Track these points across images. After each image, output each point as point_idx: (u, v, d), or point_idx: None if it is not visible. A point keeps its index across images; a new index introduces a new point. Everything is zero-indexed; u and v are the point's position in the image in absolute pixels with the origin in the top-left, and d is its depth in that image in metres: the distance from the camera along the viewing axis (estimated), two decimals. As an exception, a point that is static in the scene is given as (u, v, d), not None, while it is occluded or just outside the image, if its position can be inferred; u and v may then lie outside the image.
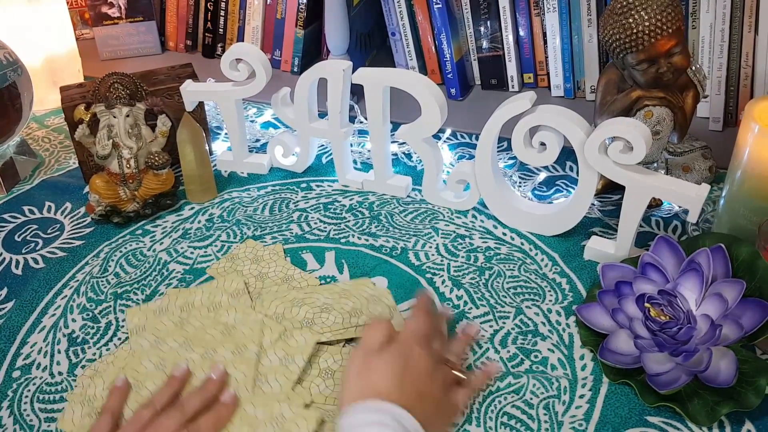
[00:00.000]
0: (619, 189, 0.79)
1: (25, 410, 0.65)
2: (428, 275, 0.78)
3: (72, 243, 0.86)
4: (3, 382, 0.68)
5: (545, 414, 0.62)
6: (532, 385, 0.65)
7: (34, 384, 0.68)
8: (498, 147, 0.83)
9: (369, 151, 0.97)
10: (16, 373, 0.69)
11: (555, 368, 0.67)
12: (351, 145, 0.97)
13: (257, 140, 1.04)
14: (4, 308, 0.76)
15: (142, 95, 0.88)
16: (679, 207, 0.85)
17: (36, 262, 0.83)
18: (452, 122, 1.03)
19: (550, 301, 0.74)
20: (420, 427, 0.55)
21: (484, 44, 1.11)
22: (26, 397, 0.67)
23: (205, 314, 0.71)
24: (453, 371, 0.63)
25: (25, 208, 0.92)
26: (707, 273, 0.65)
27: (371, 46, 1.20)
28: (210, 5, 1.26)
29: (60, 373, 0.69)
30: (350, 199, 0.91)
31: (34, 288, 0.79)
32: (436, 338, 0.65)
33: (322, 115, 0.90)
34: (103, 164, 0.87)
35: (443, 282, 0.77)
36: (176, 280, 0.79)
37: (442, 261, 0.80)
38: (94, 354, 0.70)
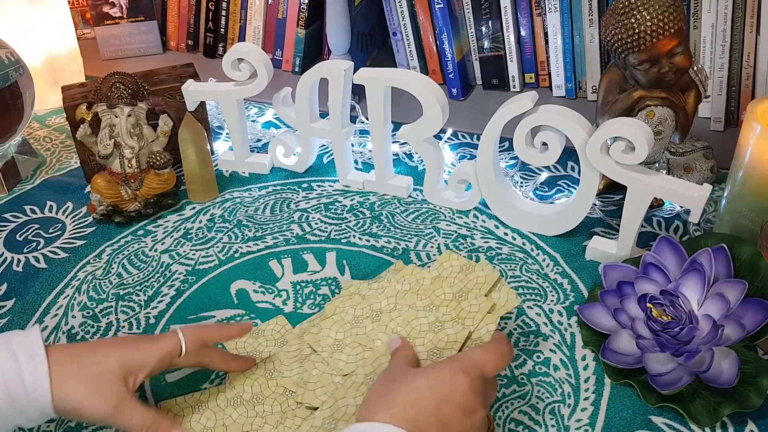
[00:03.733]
0: (620, 189, 0.79)
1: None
2: (430, 275, 0.78)
3: (73, 243, 0.86)
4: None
5: (551, 419, 0.62)
6: (536, 389, 0.65)
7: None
8: (499, 147, 0.83)
9: (370, 151, 0.96)
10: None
11: (557, 369, 0.67)
12: (352, 145, 0.97)
13: (258, 140, 1.04)
14: (4, 306, 0.77)
15: (143, 95, 0.88)
16: (681, 207, 0.85)
17: (38, 261, 0.83)
18: (453, 122, 1.03)
19: (552, 301, 0.74)
20: None
21: (486, 44, 1.11)
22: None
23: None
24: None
25: (27, 207, 0.92)
26: (709, 273, 0.65)
27: (372, 46, 1.20)
28: (211, 5, 1.26)
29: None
30: (351, 200, 0.91)
31: (36, 289, 0.79)
32: (489, 386, 0.56)
33: (324, 115, 0.90)
34: (104, 164, 0.87)
35: (445, 282, 0.77)
36: (179, 281, 0.79)
37: (443, 261, 0.80)
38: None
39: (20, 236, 0.87)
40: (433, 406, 0.51)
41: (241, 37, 1.26)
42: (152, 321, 0.74)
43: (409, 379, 0.53)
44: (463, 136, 1.03)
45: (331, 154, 0.96)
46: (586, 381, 0.65)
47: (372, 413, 0.51)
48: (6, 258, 0.84)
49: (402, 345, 0.60)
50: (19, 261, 0.83)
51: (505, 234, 0.84)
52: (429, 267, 0.71)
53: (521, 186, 0.92)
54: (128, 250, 0.84)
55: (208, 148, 0.90)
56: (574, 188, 0.89)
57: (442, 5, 1.06)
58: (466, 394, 0.52)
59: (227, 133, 1.03)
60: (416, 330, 0.64)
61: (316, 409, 0.61)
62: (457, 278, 0.68)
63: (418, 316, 0.65)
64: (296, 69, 1.23)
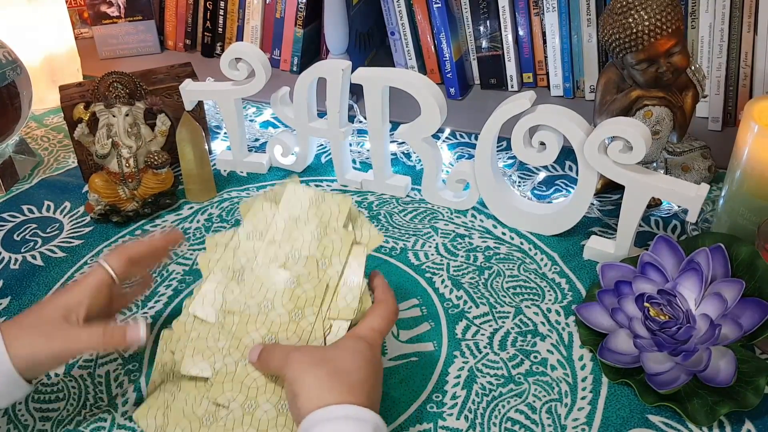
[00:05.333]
0: (618, 188, 0.79)
1: (19, 410, 0.65)
2: (428, 275, 0.78)
3: (71, 242, 0.85)
4: None
5: (548, 418, 0.62)
6: (534, 388, 0.65)
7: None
8: (497, 146, 0.83)
9: (368, 150, 0.96)
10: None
11: (555, 369, 0.67)
12: (350, 145, 0.97)
13: (256, 139, 1.04)
14: (0, 304, 0.76)
15: (141, 94, 0.88)
16: (679, 207, 0.85)
17: (35, 259, 0.83)
18: (451, 122, 1.03)
19: (550, 300, 0.74)
20: None
21: (484, 44, 1.11)
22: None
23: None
24: None
25: (24, 207, 0.92)
26: (706, 273, 0.65)
27: (370, 45, 1.20)
28: (209, 4, 1.26)
29: (56, 375, 0.68)
30: (349, 199, 0.91)
31: (32, 289, 0.79)
32: None
33: (322, 114, 0.90)
34: (102, 163, 0.87)
35: (443, 282, 0.77)
36: (176, 281, 0.79)
37: (441, 261, 0.80)
38: (91, 354, 0.70)
39: (18, 236, 0.87)
40: (375, 381, 0.56)
41: (239, 37, 1.26)
42: (149, 321, 0.74)
43: (344, 359, 0.56)
44: (461, 136, 1.03)
45: (329, 154, 0.96)
46: (583, 380, 0.65)
47: (330, 397, 0.53)
48: (3, 258, 0.83)
49: (263, 348, 0.59)
50: (16, 260, 0.83)
51: (503, 233, 0.84)
52: (277, 205, 0.65)
53: (519, 185, 0.92)
54: (126, 250, 0.84)
55: (206, 147, 0.90)
56: (572, 188, 0.89)
57: (440, 5, 1.06)
58: (380, 363, 0.58)
59: (225, 133, 1.02)
60: (276, 324, 0.61)
61: (206, 380, 0.59)
62: (310, 213, 0.64)
63: (275, 305, 0.61)
64: (294, 68, 1.23)
